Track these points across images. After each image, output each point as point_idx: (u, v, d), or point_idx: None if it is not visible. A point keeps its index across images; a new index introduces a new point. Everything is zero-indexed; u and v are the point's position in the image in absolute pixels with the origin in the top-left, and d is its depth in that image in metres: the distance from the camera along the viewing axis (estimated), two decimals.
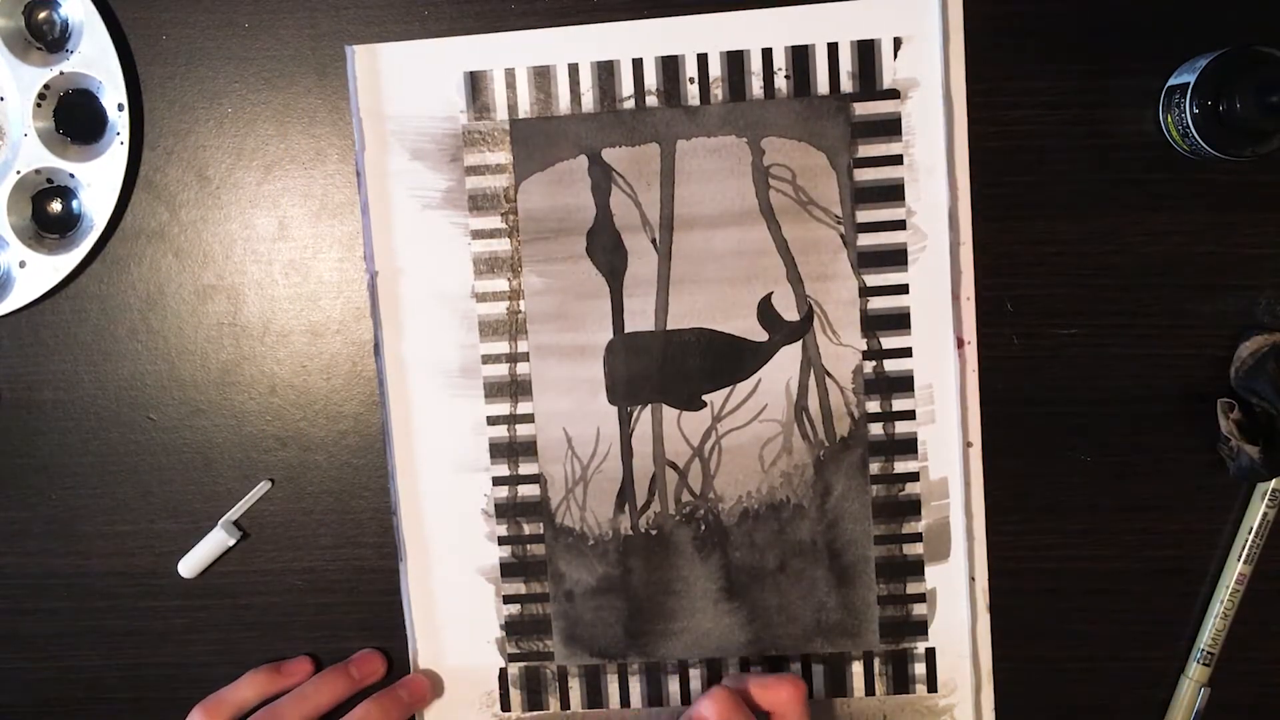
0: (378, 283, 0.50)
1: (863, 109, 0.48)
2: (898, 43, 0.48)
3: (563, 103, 0.49)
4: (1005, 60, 0.49)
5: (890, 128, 0.49)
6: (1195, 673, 0.50)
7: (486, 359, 0.50)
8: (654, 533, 0.51)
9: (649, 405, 0.50)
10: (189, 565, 0.51)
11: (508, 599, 0.51)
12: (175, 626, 0.53)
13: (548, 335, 0.50)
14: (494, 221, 0.50)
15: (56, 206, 0.52)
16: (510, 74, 0.49)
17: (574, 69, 0.49)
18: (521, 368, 0.50)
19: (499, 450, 0.50)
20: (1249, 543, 0.49)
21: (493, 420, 0.50)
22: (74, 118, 0.51)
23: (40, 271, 0.50)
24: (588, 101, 0.49)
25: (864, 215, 0.49)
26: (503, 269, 0.50)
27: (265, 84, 0.50)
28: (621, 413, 0.50)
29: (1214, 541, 0.50)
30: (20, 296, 0.50)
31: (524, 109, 0.49)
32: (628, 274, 0.50)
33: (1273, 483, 0.49)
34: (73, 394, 0.52)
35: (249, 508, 0.51)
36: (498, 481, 0.51)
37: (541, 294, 0.50)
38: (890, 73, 0.48)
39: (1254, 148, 0.45)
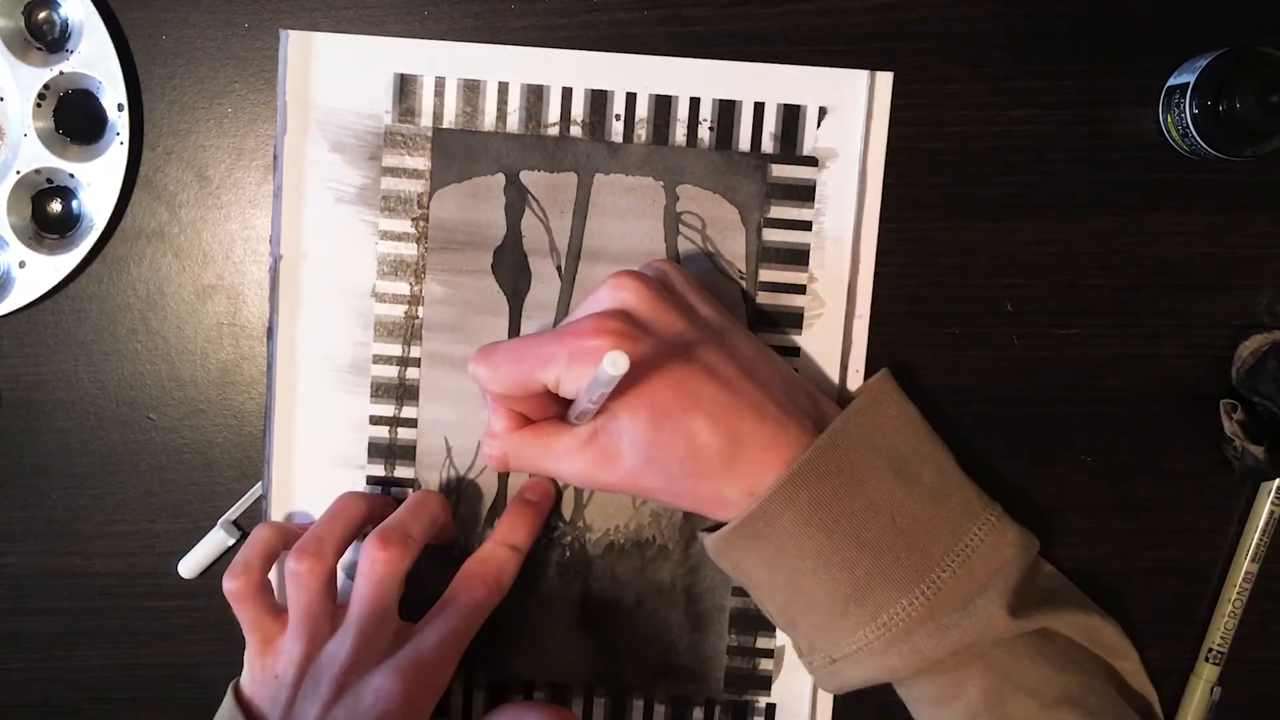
0: (280, 268, 0.50)
1: (780, 171, 0.49)
2: (822, 112, 0.49)
3: (488, 119, 0.49)
4: (1004, 60, 0.49)
5: (804, 193, 0.49)
6: (1205, 672, 0.50)
7: (378, 359, 0.50)
8: None
9: None
10: (189, 565, 0.51)
11: None
12: (175, 626, 0.53)
13: (441, 344, 0.50)
14: (404, 225, 0.50)
15: (56, 206, 0.52)
16: (440, 82, 0.49)
17: (504, 87, 0.49)
18: (411, 372, 0.50)
19: (377, 450, 0.50)
20: (1256, 541, 0.49)
21: (375, 420, 0.50)
22: (74, 118, 0.51)
23: (40, 271, 0.50)
24: (513, 122, 0.49)
25: (766, 275, 0.49)
26: (406, 273, 0.50)
27: (265, 84, 0.50)
28: None
29: (1215, 541, 0.50)
30: (20, 296, 0.50)
31: (449, 119, 0.49)
32: (529, 296, 0.50)
33: (1278, 480, 0.49)
34: (73, 394, 0.52)
35: (248, 507, 0.51)
36: (371, 481, 0.50)
37: (441, 303, 0.50)
38: (811, 140, 0.49)
39: (1254, 148, 0.45)
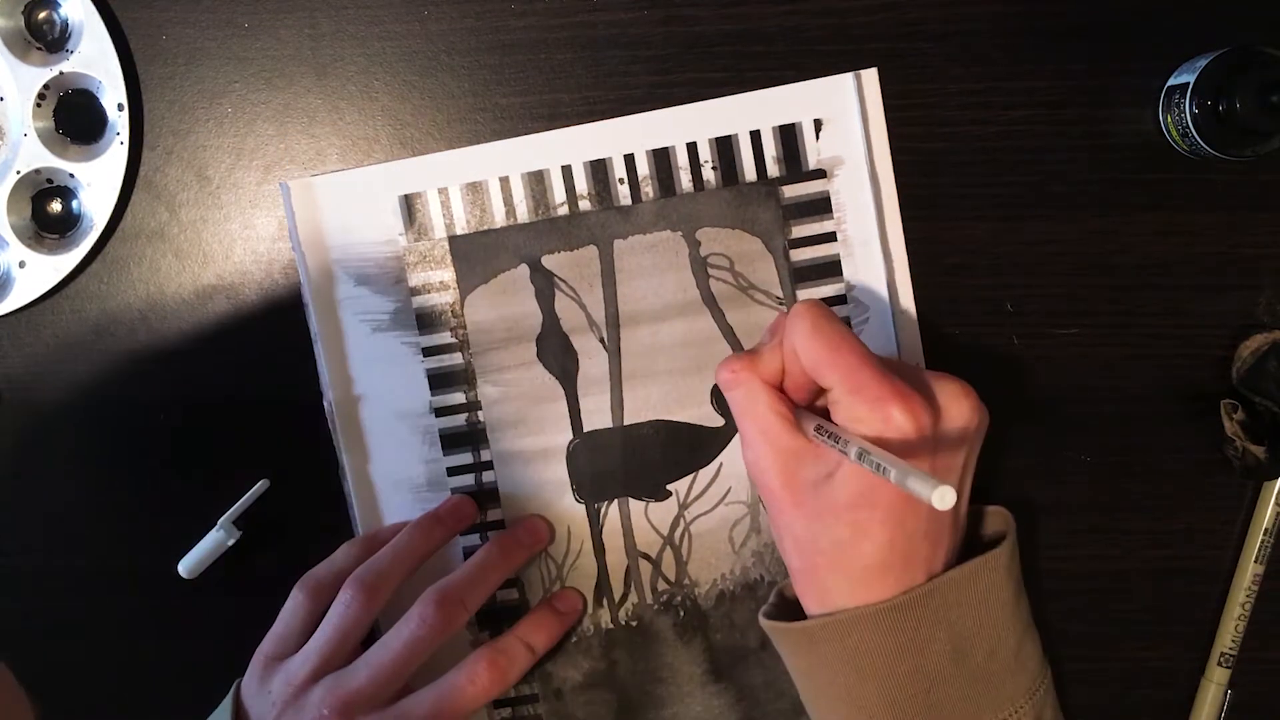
0: (336, 409, 0.50)
1: (792, 191, 0.49)
2: (818, 124, 0.49)
3: (498, 215, 0.50)
4: (1004, 59, 0.49)
5: (820, 207, 0.49)
6: (1216, 675, 0.49)
7: (452, 471, 0.50)
8: (634, 624, 0.51)
9: (615, 500, 0.50)
10: (189, 565, 0.51)
11: (498, 703, 0.51)
12: (175, 626, 0.53)
13: (509, 442, 0.50)
14: (444, 337, 0.50)
15: (56, 206, 0.52)
16: (444, 193, 0.50)
17: (505, 181, 0.49)
18: (487, 476, 0.50)
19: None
20: (1260, 543, 0.49)
21: (463, 530, 0.51)
22: (74, 118, 0.51)
23: (40, 271, 0.50)
24: (522, 212, 0.50)
25: (804, 294, 0.49)
26: (458, 383, 0.50)
27: (265, 84, 0.50)
28: (589, 510, 0.51)
29: (1215, 541, 0.50)
30: (20, 296, 0.50)
31: (461, 225, 0.50)
32: (580, 375, 0.50)
33: None
34: (73, 394, 0.52)
35: (248, 507, 0.51)
36: None
37: (498, 403, 0.50)
38: (814, 154, 0.49)
39: (1254, 148, 0.45)
